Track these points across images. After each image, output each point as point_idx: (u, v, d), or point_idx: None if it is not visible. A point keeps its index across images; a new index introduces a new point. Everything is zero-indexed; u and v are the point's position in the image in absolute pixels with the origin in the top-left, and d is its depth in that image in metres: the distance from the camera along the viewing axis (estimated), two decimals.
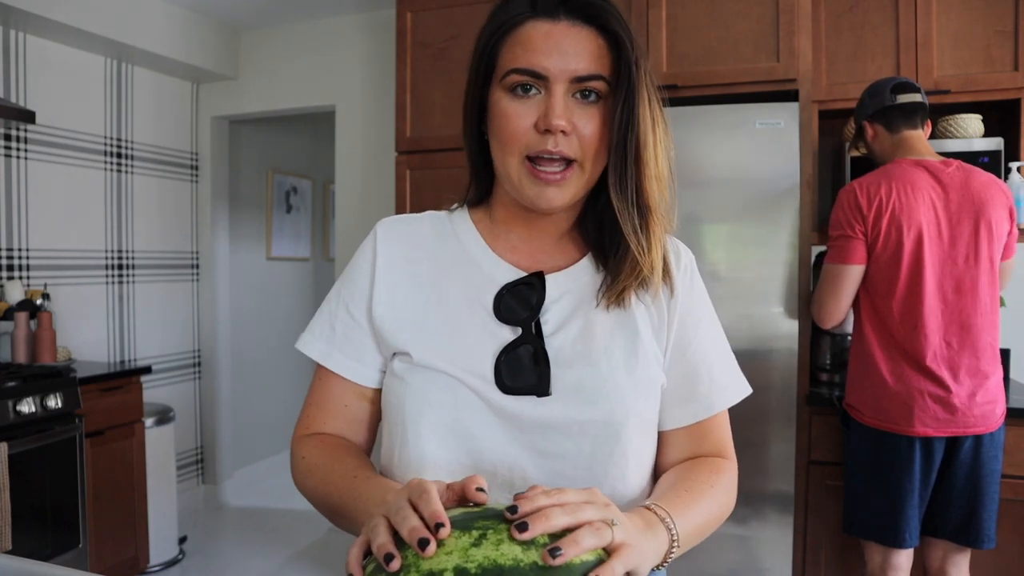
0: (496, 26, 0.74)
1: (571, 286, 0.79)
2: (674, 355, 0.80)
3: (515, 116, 0.72)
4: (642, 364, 0.77)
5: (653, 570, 0.63)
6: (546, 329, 0.77)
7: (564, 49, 0.71)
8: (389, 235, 0.84)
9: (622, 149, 0.73)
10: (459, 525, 0.54)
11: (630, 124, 0.72)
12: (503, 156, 0.74)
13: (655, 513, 0.65)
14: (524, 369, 0.74)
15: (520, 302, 0.77)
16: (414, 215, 0.87)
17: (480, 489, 0.58)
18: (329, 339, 0.82)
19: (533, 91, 0.72)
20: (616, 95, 0.72)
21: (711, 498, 0.74)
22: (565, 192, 0.73)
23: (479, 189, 0.85)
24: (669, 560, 0.65)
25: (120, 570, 2.58)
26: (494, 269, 0.80)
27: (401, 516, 0.55)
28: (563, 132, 0.71)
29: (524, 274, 0.79)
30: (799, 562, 2.11)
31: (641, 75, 0.72)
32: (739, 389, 0.84)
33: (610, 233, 0.77)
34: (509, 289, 0.77)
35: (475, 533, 0.53)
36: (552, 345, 0.76)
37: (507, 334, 0.76)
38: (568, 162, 0.72)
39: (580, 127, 0.72)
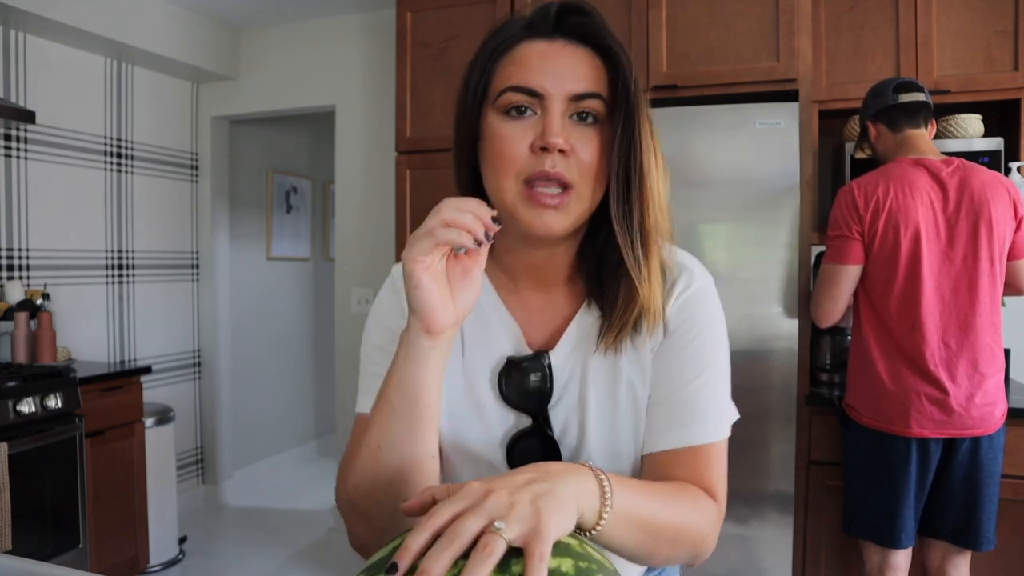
0: (490, 50, 0.73)
1: (575, 352, 0.77)
2: (653, 384, 0.77)
3: (510, 137, 0.69)
4: (638, 433, 0.78)
5: (586, 533, 0.58)
6: (551, 402, 0.77)
7: (560, 68, 0.69)
8: None
9: (624, 174, 0.70)
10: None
11: (632, 148, 0.69)
12: (497, 180, 0.70)
13: (587, 467, 0.60)
14: (535, 459, 0.72)
15: (526, 384, 0.76)
16: None
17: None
18: None
19: (528, 112, 0.70)
20: (615, 117, 0.70)
21: (671, 501, 0.68)
22: (564, 218, 0.70)
23: None
24: (600, 525, 0.58)
25: (120, 570, 2.58)
26: (506, 339, 0.79)
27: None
28: (561, 152, 0.68)
29: (529, 352, 0.78)
30: (799, 562, 2.11)
31: (640, 97, 0.70)
32: (715, 430, 0.76)
33: (608, 270, 0.74)
34: (515, 366, 0.77)
35: (459, 562, 0.49)
36: (557, 417, 0.77)
37: (514, 416, 0.78)
38: (565, 187, 0.69)
39: (578, 149, 0.69)
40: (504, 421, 0.78)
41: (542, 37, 0.71)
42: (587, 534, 0.58)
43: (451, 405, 0.79)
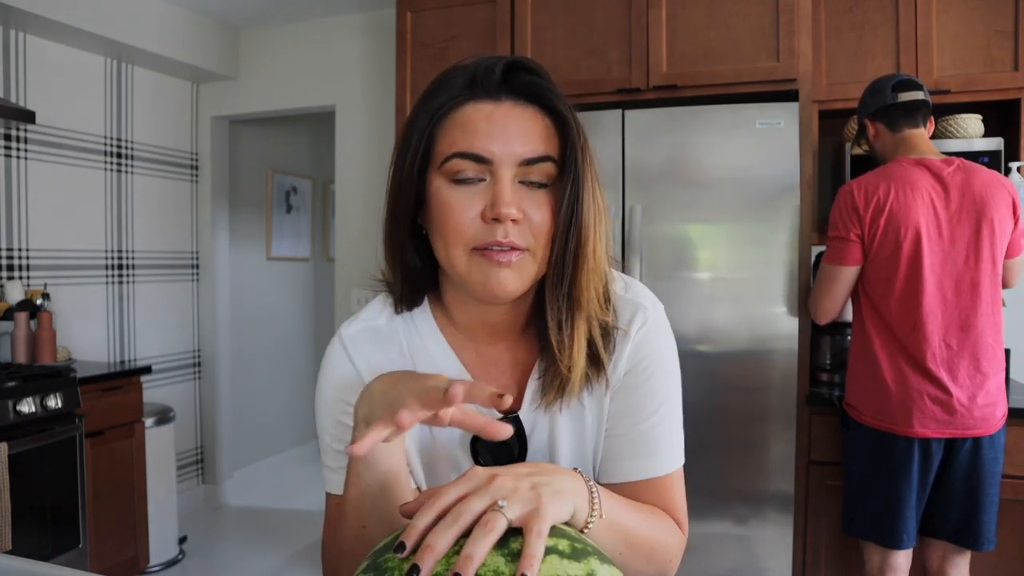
0: (433, 109, 0.69)
1: (534, 401, 0.76)
2: (612, 417, 0.78)
3: (459, 206, 0.66)
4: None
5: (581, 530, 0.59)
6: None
7: (509, 131, 0.66)
8: (361, 346, 0.78)
9: (563, 239, 0.68)
10: None
11: (574, 213, 0.67)
12: (447, 250, 0.68)
13: (578, 472, 0.62)
14: None
15: (499, 448, 0.76)
16: (371, 319, 0.79)
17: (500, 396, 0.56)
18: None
19: (477, 177, 0.67)
20: (563, 179, 0.68)
21: (649, 519, 0.70)
22: (519, 278, 0.68)
23: (415, 289, 0.77)
24: (588, 527, 0.60)
25: (120, 570, 2.58)
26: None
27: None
28: (513, 221, 0.66)
29: (498, 414, 0.74)
30: (799, 562, 2.11)
31: (587, 158, 0.68)
32: (672, 460, 0.77)
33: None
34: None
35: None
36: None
37: None
38: (519, 249, 0.67)
39: (530, 215, 0.67)
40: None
41: (488, 97, 0.68)
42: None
43: (429, 466, 0.78)
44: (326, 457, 0.78)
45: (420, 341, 0.78)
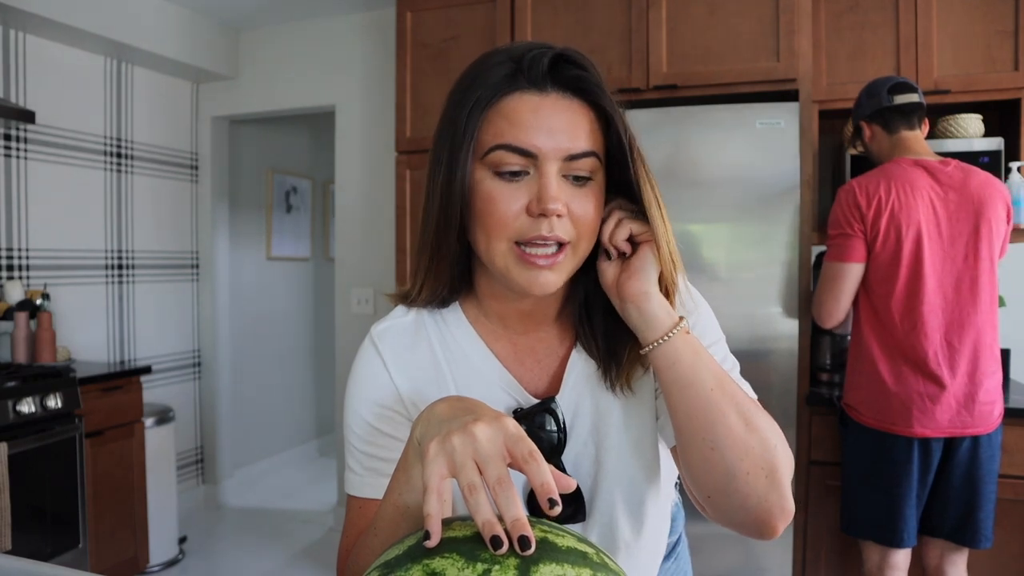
0: (475, 97, 0.67)
1: (576, 389, 0.75)
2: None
3: (503, 199, 0.66)
4: (655, 454, 0.77)
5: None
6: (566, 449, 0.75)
7: (554, 125, 0.65)
8: (390, 343, 0.77)
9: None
10: (464, 552, 0.48)
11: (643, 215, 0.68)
12: (488, 242, 0.68)
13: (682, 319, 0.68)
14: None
15: (537, 437, 0.72)
16: (399, 317, 0.79)
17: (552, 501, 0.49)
18: (375, 470, 0.74)
19: (522, 171, 0.66)
20: (610, 170, 0.69)
21: (748, 401, 0.68)
22: (560, 275, 0.69)
23: (455, 283, 0.75)
24: (672, 333, 0.66)
25: (120, 570, 2.58)
26: (503, 392, 0.75)
27: (472, 487, 0.49)
28: (558, 215, 0.66)
29: (535, 400, 0.74)
30: (799, 562, 2.11)
31: (636, 152, 0.68)
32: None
33: (596, 311, 0.75)
34: (523, 419, 0.72)
35: (479, 567, 0.46)
36: (565, 456, 0.74)
37: None
38: (560, 245, 0.67)
39: (573, 208, 0.67)
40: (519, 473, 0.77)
41: (534, 88, 0.66)
42: (657, 343, 0.67)
43: None
44: (349, 458, 0.76)
45: (450, 335, 0.78)
